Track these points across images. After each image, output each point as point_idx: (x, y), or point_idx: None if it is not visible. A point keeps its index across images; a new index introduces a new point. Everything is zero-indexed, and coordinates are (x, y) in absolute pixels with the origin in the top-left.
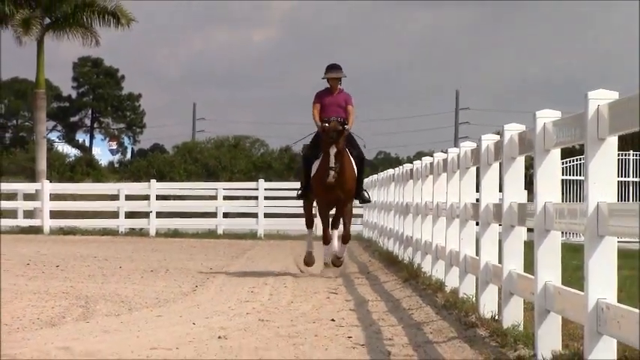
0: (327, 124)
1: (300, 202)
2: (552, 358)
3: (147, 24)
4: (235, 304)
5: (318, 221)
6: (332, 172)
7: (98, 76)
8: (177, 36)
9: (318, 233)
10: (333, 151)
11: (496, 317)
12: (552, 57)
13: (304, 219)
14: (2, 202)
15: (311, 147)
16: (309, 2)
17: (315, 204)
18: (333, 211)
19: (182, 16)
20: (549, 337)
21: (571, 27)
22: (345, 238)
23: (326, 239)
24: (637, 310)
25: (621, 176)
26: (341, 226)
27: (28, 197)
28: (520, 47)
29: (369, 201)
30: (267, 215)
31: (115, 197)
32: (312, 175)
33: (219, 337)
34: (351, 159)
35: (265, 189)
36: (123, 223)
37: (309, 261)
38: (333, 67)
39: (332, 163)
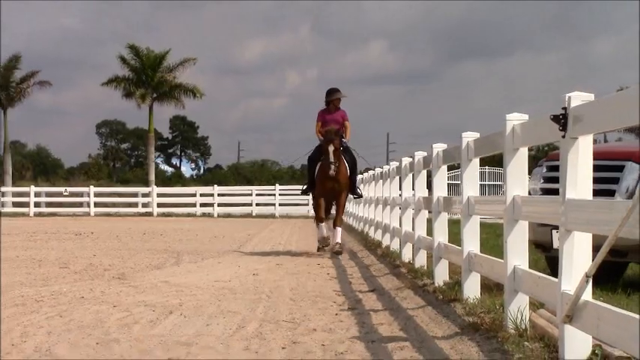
0: (325, 130)
1: (300, 197)
2: (443, 284)
3: (213, 95)
4: (263, 255)
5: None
6: (332, 166)
7: (184, 126)
8: (229, 102)
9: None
10: (331, 148)
11: (411, 262)
12: (444, 112)
13: (315, 217)
14: (128, 198)
15: (314, 154)
16: (308, 81)
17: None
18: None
19: (231, 90)
20: (441, 273)
21: (458, 93)
22: (338, 222)
23: (319, 220)
24: (490, 257)
25: (481, 181)
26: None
27: (145, 195)
28: (429, 106)
29: (361, 196)
30: (280, 204)
31: (193, 195)
32: (315, 174)
33: (254, 274)
34: (345, 162)
35: (280, 189)
36: (198, 210)
37: (323, 246)
38: (333, 91)
39: (331, 158)
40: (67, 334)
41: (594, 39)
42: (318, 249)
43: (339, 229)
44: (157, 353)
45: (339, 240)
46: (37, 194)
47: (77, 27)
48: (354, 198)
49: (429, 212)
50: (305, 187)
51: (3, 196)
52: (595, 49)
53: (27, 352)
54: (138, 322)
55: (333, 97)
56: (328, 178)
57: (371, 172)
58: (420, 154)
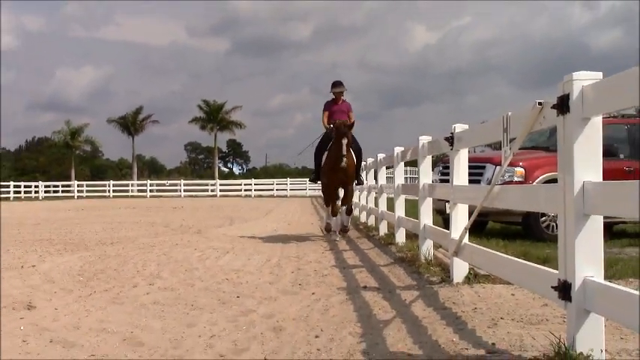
0: (335, 123)
1: (301, 185)
2: (384, 234)
3: (250, 127)
4: (280, 219)
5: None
6: (344, 159)
7: (234, 145)
8: (260, 131)
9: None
10: (344, 141)
11: (365, 221)
12: (385, 136)
13: (323, 200)
14: (202, 187)
15: (320, 144)
16: (307, 120)
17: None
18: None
19: (262, 125)
20: (383, 228)
21: (392, 126)
22: (348, 211)
23: (334, 212)
24: (410, 219)
25: (405, 175)
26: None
27: (212, 185)
28: (377, 133)
29: (362, 184)
30: (290, 189)
31: (240, 184)
32: (322, 164)
33: (275, 230)
34: (352, 152)
35: (290, 181)
36: (243, 193)
37: (328, 228)
38: (337, 84)
39: (344, 151)
40: (168, 265)
41: (467, 96)
42: (327, 230)
43: (348, 217)
44: (219, 275)
45: (346, 224)
46: (150, 185)
47: (178, 90)
48: (355, 185)
49: (376, 193)
50: (313, 175)
51: (132, 185)
52: (467, 101)
53: (145, 275)
54: (208, 257)
55: (336, 89)
56: (336, 169)
57: None
58: (370, 160)
